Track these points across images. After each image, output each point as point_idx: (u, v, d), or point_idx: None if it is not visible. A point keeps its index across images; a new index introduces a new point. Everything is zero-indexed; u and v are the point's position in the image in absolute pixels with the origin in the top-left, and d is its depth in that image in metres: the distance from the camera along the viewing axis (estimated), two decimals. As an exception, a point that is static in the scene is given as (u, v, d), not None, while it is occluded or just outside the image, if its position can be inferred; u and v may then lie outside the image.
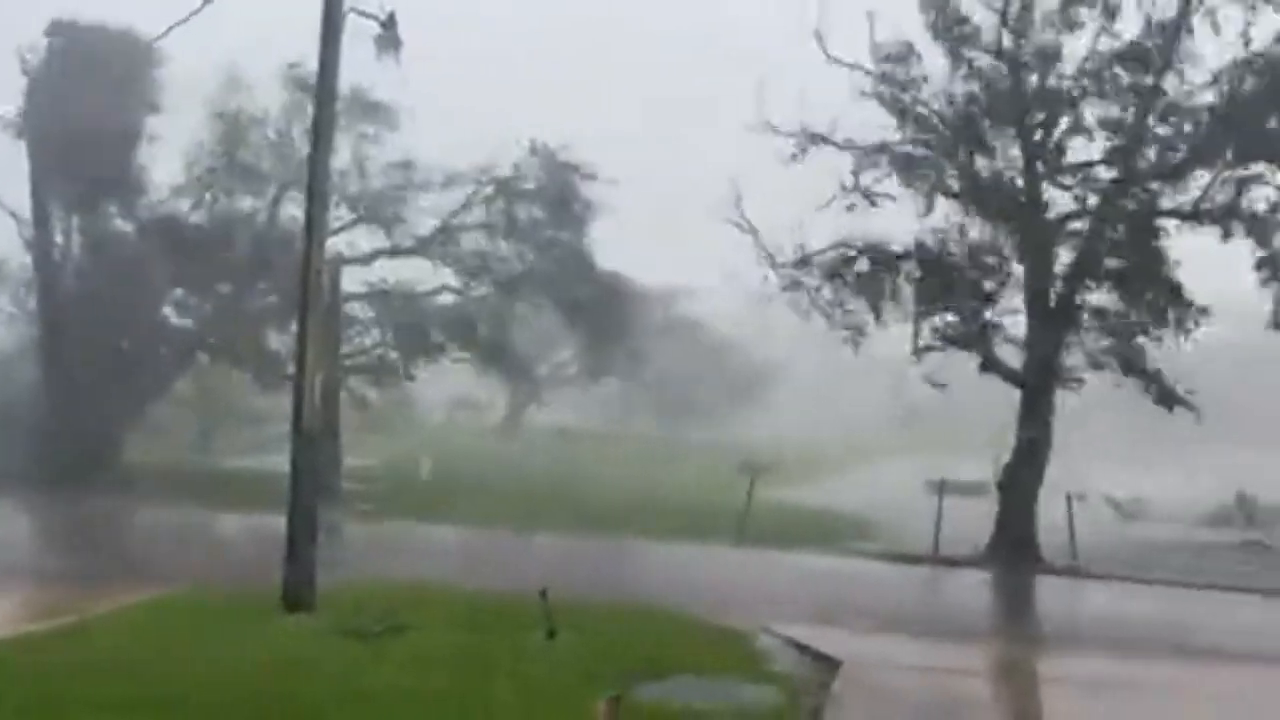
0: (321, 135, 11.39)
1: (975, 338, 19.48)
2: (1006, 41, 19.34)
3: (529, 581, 10.25)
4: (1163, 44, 18.55)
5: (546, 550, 18.01)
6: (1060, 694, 10.26)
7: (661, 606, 11.68)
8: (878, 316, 20.00)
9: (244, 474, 24.07)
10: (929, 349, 19.77)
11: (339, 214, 27.02)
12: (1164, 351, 19.31)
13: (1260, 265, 18.77)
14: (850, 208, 19.97)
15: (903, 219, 20.38)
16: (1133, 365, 19.26)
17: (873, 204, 19.95)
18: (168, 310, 27.86)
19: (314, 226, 11.27)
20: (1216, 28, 18.18)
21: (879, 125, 20.21)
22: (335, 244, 25.08)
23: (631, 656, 9.17)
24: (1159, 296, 18.80)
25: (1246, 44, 18.10)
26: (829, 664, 9.93)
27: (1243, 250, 19.13)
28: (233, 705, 7.38)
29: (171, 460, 26.48)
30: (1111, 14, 18.79)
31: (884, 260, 19.96)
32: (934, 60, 19.81)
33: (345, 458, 24.63)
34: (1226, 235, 18.73)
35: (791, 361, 50.28)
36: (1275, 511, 25.34)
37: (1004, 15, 19.30)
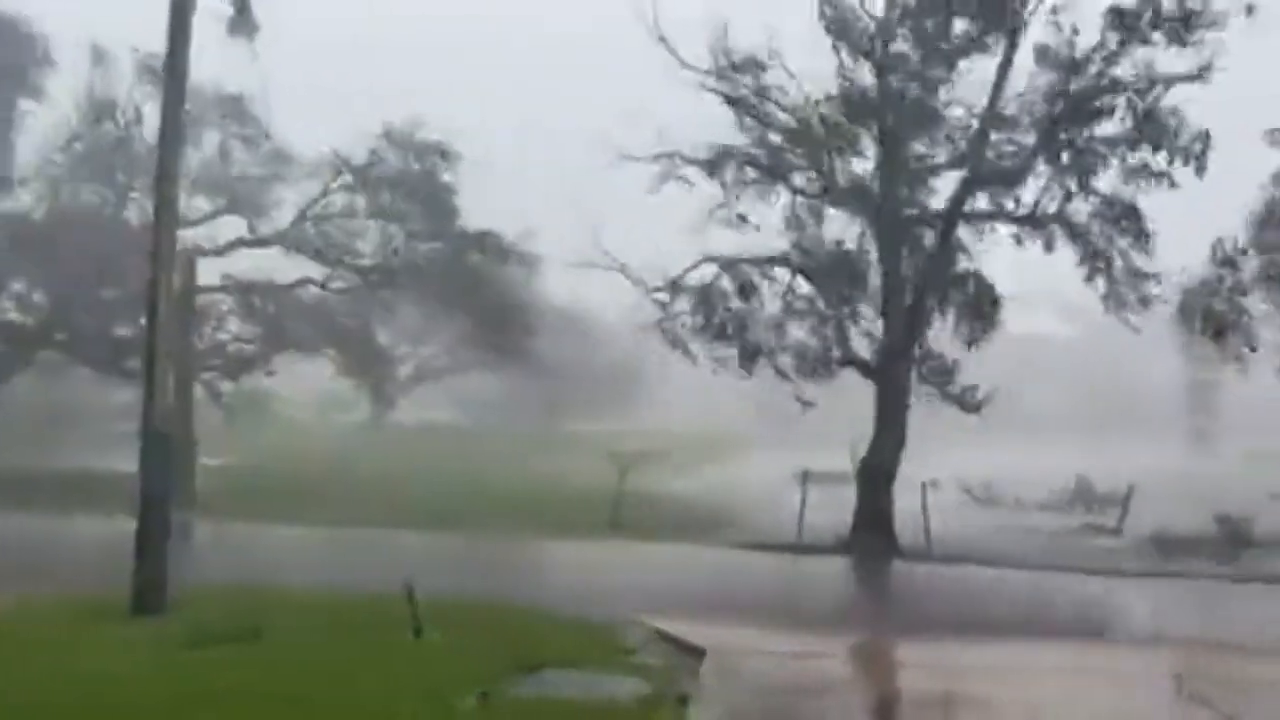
0: (170, 120, 10.93)
1: (835, 336, 20.18)
2: (873, 46, 19.94)
3: (394, 582, 10.08)
4: (1001, 60, 19.39)
5: (413, 549, 17.71)
6: (915, 674, 10.71)
7: (531, 602, 11.67)
8: (745, 359, 20.42)
9: (91, 475, 22.87)
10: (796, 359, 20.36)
11: (197, 204, 25.99)
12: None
13: (1082, 261, 19.78)
14: (722, 222, 20.33)
15: (766, 227, 20.91)
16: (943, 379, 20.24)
17: (743, 219, 20.34)
18: (7, 304, 26.33)
19: (164, 215, 10.80)
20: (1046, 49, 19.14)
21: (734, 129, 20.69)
22: (194, 235, 24.12)
23: (501, 653, 9.14)
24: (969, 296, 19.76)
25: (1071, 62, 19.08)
26: (695, 653, 10.12)
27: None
28: (62, 712, 7.03)
29: (10, 462, 24.97)
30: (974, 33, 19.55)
31: (750, 271, 20.42)
32: (795, 63, 20.30)
33: (201, 457, 23.71)
34: (1049, 243, 19.80)
35: (670, 356, 50.60)
36: (1112, 496, 26.93)
37: (872, 21, 19.91)
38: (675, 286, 20.56)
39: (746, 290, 20.33)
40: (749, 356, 20.46)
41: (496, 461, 31.63)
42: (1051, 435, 52.15)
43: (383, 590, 10.43)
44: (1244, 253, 20.16)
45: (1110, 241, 19.60)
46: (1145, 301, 19.81)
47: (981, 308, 19.99)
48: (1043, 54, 19.16)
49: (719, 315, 20.33)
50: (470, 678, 8.26)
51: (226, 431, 30.73)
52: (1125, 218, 19.37)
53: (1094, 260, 19.67)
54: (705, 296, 20.42)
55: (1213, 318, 20.58)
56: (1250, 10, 17.89)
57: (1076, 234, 19.65)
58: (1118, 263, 19.63)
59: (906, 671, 11.03)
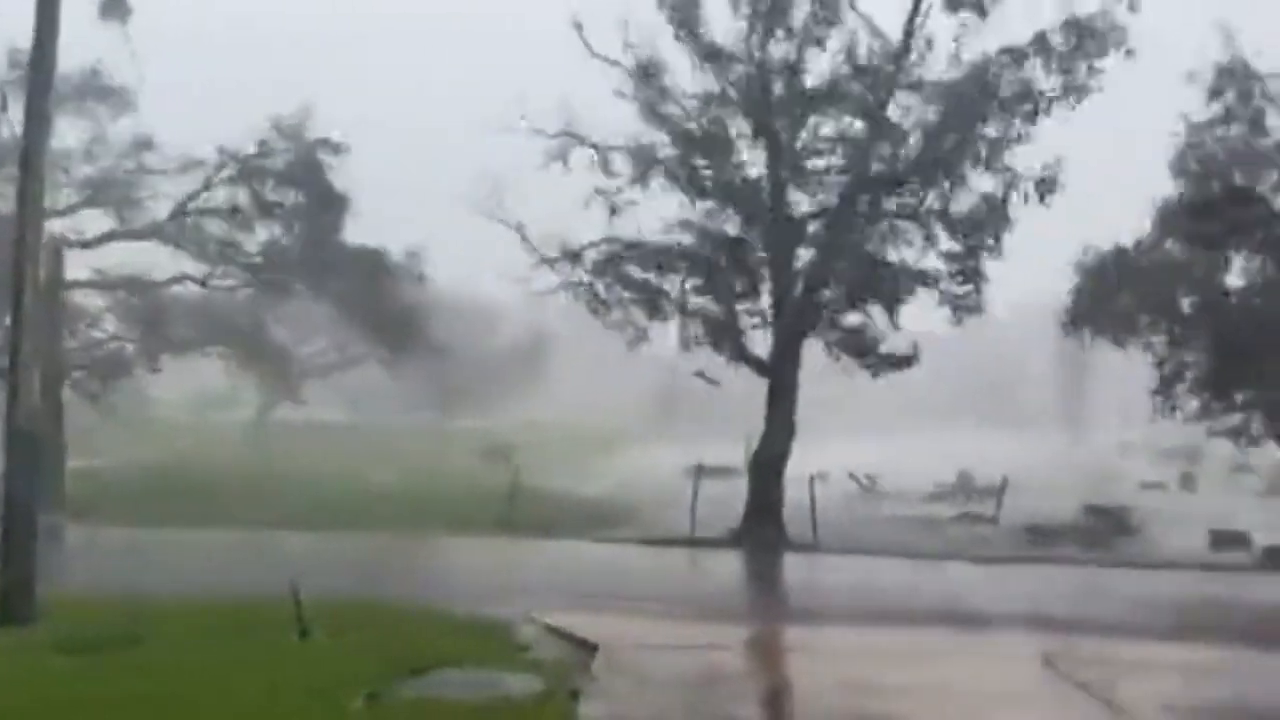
0: (35, 109, 10.43)
1: (726, 331, 20.45)
2: (755, 50, 20.24)
3: (278, 584, 9.82)
4: (891, 65, 19.93)
5: (297, 550, 17.26)
6: (802, 660, 10.95)
7: (421, 601, 11.53)
8: (651, 317, 20.58)
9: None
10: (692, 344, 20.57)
11: (65, 195, 24.79)
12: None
13: (951, 259, 20.34)
14: (612, 208, 20.38)
15: (665, 220, 21.07)
16: (864, 349, 20.68)
17: (633, 202, 20.44)
18: None
19: (28, 204, 10.29)
20: (929, 46, 19.74)
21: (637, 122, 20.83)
22: (61, 226, 23.01)
23: (390, 653, 8.99)
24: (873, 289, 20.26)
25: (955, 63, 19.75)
26: (588, 648, 10.14)
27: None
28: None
29: None
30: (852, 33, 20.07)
31: (650, 257, 20.56)
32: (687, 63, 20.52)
33: (72, 459, 22.68)
34: (929, 238, 20.35)
35: (566, 348, 50.56)
36: (990, 487, 28.01)
37: (751, 25, 20.16)
38: (574, 257, 20.55)
39: (646, 265, 20.45)
40: (658, 315, 20.59)
41: (386, 458, 31.13)
42: (937, 428, 54.00)
43: (266, 592, 10.15)
44: (1120, 253, 21.04)
45: (979, 240, 20.14)
46: (972, 307, 20.33)
47: (894, 300, 20.37)
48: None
49: (622, 280, 20.41)
50: (358, 678, 8.11)
51: (100, 432, 29.45)
52: (992, 219, 19.90)
53: (965, 259, 20.21)
54: (606, 268, 20.48)
55: (1084, 315, 21.56)
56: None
57: (955, 231, 20.15)
58: (974, 261, 20.18)
59: (795, 658, 11.27)
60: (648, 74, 20.26)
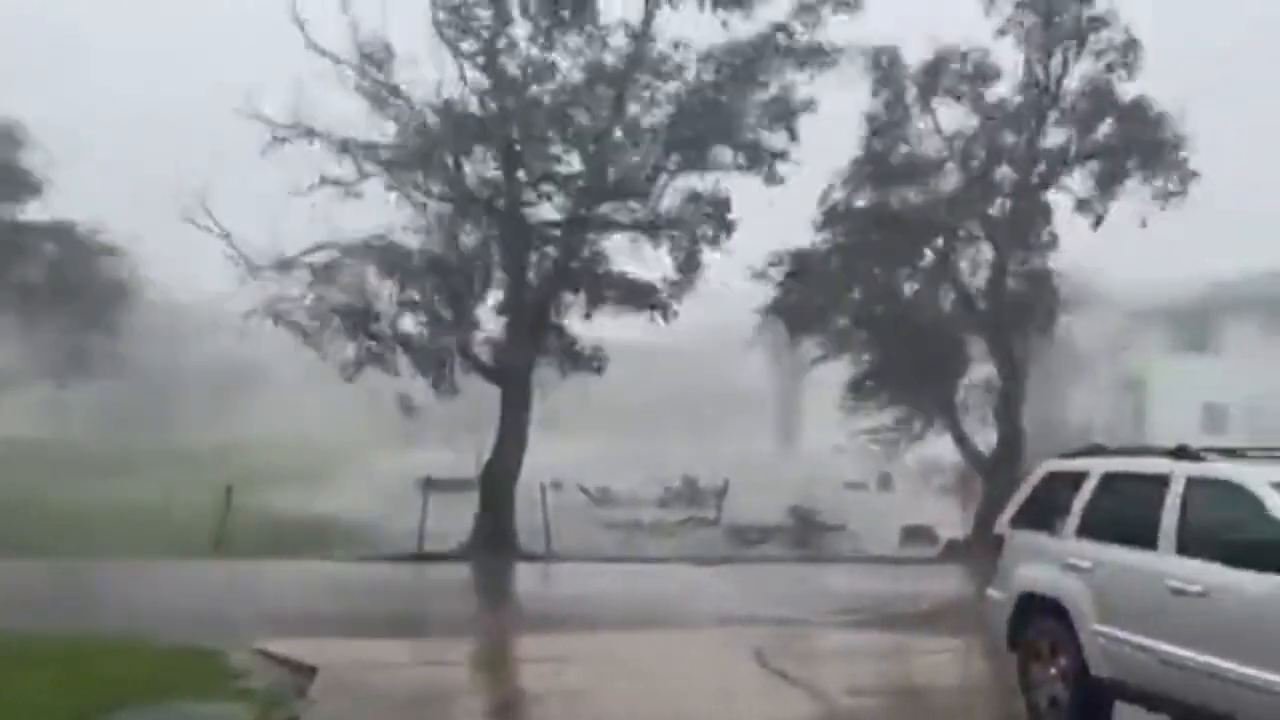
0: None
1: (457, 339, 20.24)
2: (495, 53, 20.12)
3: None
4: (624, 68, 20.20)
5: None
6: (531, 671, 11.08)
7: (120, 631, 10.66)
8: (363, 340, 19.87)
9: None
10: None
11: None
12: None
13: (680, 269, 20.83)
14: (334, 200, 19.65)
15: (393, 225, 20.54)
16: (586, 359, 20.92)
17: (355, 195, 19.78)
18: None
19: None
20: (663, 62, 20.27)
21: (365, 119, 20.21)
22: None
23: (87, 688, 8.28)
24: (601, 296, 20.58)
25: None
26: (306, 671, 9.77)
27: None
28: None
29: None
30: (590, 38, 20.17)
31: (375, 261, 19.97)
32: (424, 61, 20.09)
33: None
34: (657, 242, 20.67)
35: (277, 358, 47.95)
36: (712, 492, 29.41)
37: (492, 27, 20.05)
38: (287, 266, 19.60)
39: (377, 269, 19.78)
40: (370, 357, 19.96)
41: (87, 478, 28.43)
42: (664, 436, 55.94)
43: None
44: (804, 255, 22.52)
45: (696, 241, 20.63)
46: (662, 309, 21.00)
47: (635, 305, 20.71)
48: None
49: (337, 297, 19.66)
50: (50, 718, 7.41)
51: None
52: (715, 219, 20.45)
53: (688, 259, 20.74)
54: (323, 278, 19.64)
55: (790, 316, 22.85)
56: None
57: (678, 236, 20.61)
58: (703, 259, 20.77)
59: (520, 669, 11.38)
60: (371, 65, 19.63)
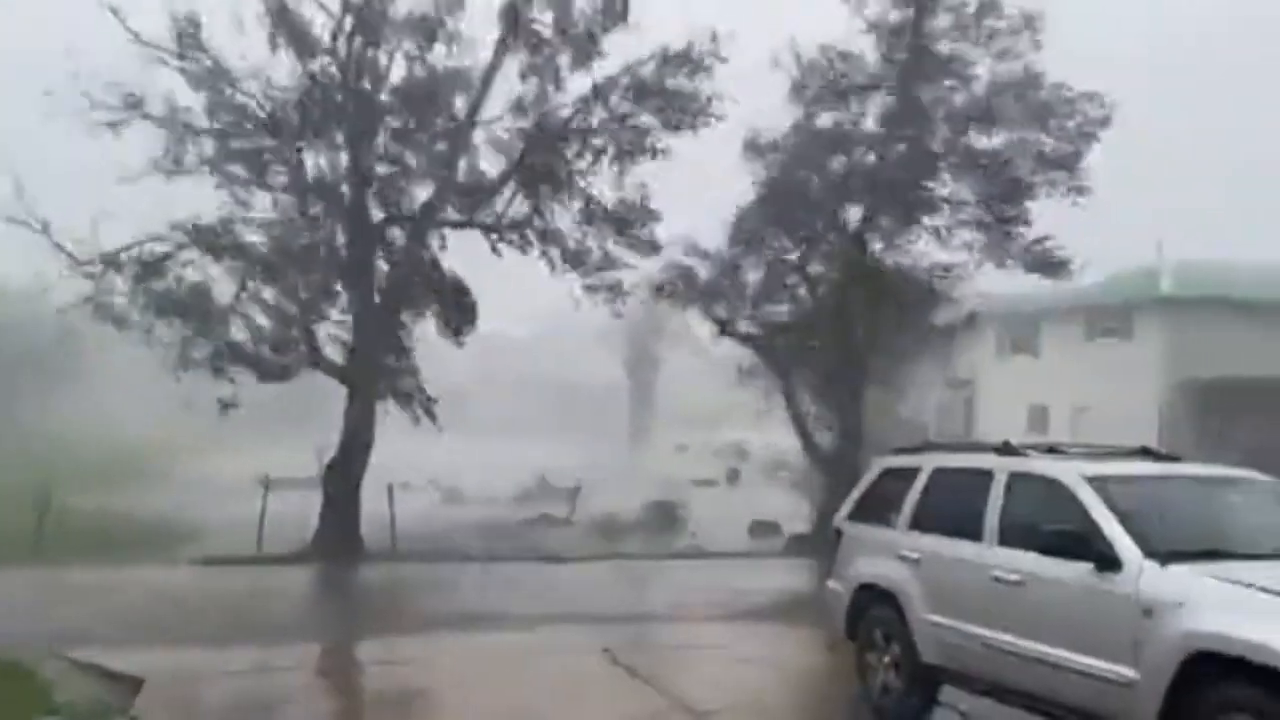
0: None
1: (300, 335, 19.58)
2: (340, 49, 19.60)
3: None
4: (482, 73, 19.93)
5: None
6: (374, 674, 10.81)
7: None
8: (192, 349, 19.00)
9: None
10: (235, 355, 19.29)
11: None
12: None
13: (554, 268, 20.75)
14: (165, 189, 18.72)
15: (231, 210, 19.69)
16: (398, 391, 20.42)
17: (185, 178, 18.92)
18: None
19: None
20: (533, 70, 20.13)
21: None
22: None
23: None
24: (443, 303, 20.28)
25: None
26: (131, 683, 9.26)
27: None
28: None
29: None
30: (430, 38, 19.84)
31: (212, 251, 19.13)
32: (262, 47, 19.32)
33: None
34: (523, 248, 20.61)
35: (102, 353, 45.35)
36: (566, 490, 29.41)
37: (339, 24, 19.51)
38: (112, 259, 18.55)
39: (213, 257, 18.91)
40: (213, 355, 19.09)
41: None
42: (518, 434, 55.68)
43: None
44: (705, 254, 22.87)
45: (585, 239, 20.55)
46: (616, 290, 20.96)
47: (462, 311, 20.41)
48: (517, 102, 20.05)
49: (166, 290, 18.72)
50: None
51: None
52: (606, 218, 20.42)
53: (574, 260, 20.58)
54: (150, 271, 18.67)
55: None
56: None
57: (550, 238, 20.45)
58: (595, 256, 20.66)
59: (361, 673, 11.09)
60: (198, 49, 18.80)
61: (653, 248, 21.01)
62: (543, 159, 19.86)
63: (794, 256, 23.13)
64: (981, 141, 21.86)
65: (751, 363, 23.86)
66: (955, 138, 21.92)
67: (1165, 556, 6.44)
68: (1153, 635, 6.21)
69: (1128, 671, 6.33)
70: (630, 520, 24.69)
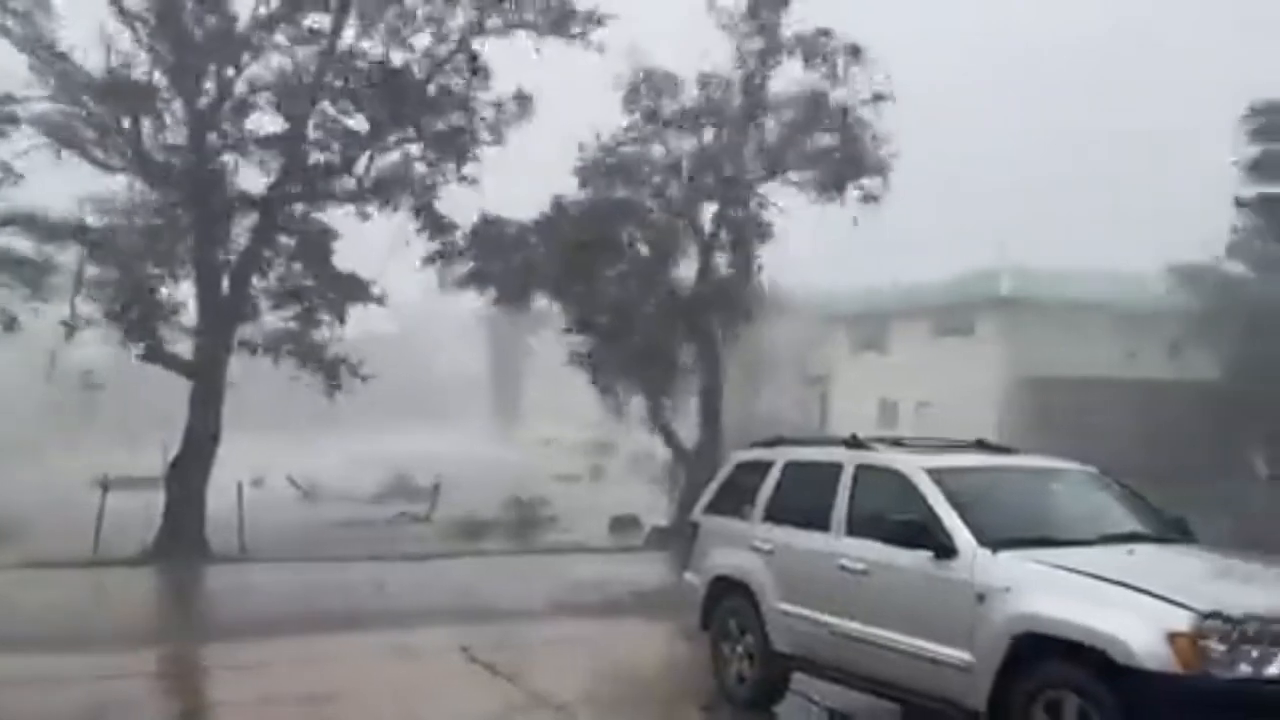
0: None
1: (136, 326, 18.53)
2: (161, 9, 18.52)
3: None
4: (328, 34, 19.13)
5: None
6: (213, 680, 10.41)
7: None
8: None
9: None
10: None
11: None
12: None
13: (430, 237, 20.24)
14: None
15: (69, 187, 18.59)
16: (310, 356, 19.94)
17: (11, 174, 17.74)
18: None
19: None
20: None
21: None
22: None
23: None
24: (324, 281, 19.62)
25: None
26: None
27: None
28: None
29: None
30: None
31: (43, 232, 18.00)
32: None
33: None
34: (388, 206, 19.80)
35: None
36: (426, 487, 28.99)
37: None
38: None
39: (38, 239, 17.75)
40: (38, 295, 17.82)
41: None
42: (380, 430, 54.48)
43: None
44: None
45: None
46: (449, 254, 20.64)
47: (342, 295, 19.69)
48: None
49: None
50: None
51: None
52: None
53: (439, 231, 20.13)
54: None
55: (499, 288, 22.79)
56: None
57: (420, 205, 19.88)
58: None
59: (204, 678, 10.67)
60: (18, 18, 17.65)
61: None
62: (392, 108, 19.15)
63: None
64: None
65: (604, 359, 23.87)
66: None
67: (997, 544, 6.80)
68: (985, 619, 6.55)
69: (964, 654, 6.65)
70: (491, 517, 24.48)
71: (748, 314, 22.85)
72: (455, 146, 19.71)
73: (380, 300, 20.13)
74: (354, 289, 19.80)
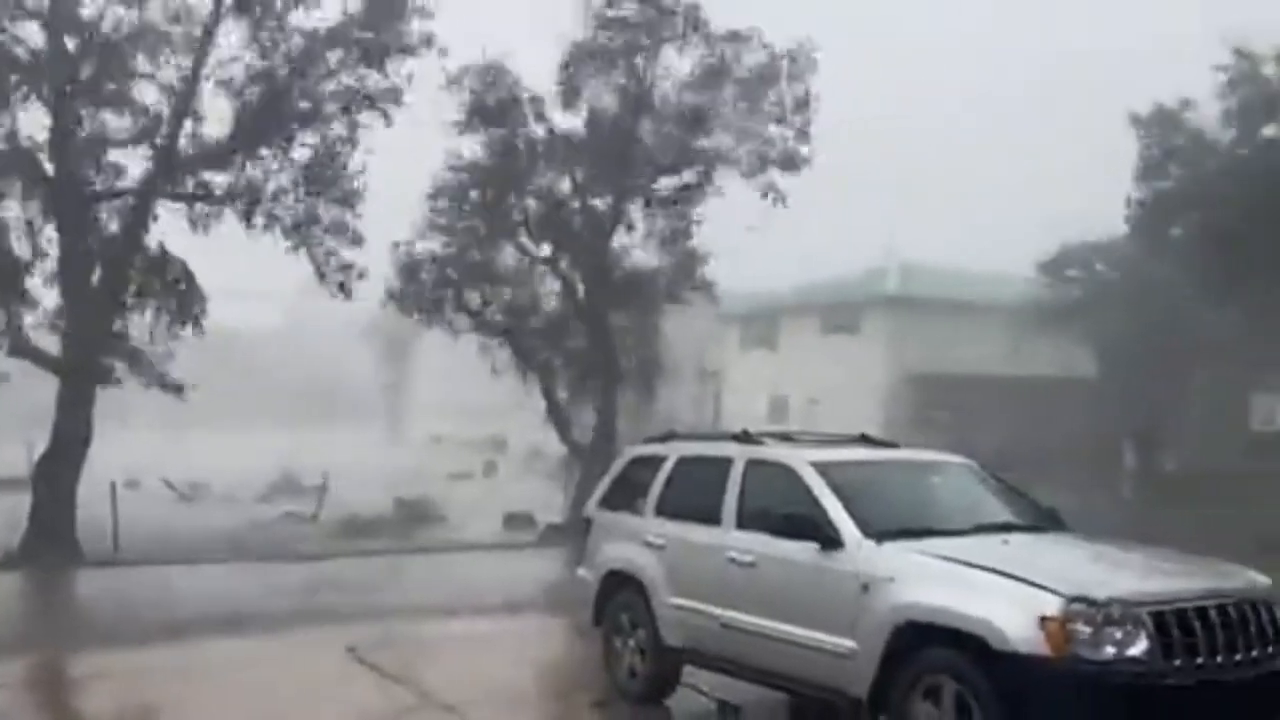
0: None
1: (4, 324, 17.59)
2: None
3: None
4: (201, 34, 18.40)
5: None
6: (86, 690, 9.95)
7: None
8: None
9: None
10: None
11: None
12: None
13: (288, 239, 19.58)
14: None
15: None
16: (134, 361, 19.03)
17: None
18: None
19: None
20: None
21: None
22: None
23: None
24: (165, 287, 18.70)
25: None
26: None
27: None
28: None
29: None
30: None
31: None
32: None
33: None
34: (249, 217, 19.02)
35: None
36: (312, 488, 28.24)
37: None
38: None
39: None
40: None
41: None
42: (263, 428, 52.94)
43: None
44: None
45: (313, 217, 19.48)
46: (344, 286, 20.02)
47: (189, 295, 18.84)
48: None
49: None
50: None
51: None
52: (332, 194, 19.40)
53: (298, 235, 19.41)
54: None
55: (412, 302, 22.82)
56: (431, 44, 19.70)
57: (279, 215, 19.15)
58: (318, 239, 19.57)
59: (75, 688, 10.19)
60: None
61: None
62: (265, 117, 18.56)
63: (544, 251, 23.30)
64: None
65: (504, 354, 23.79)
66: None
67: (881, 535, 6.97)
68: (868, 608, 6.71)
69: (849, 643, 6.80)
70: (380, 515, 24.02)
71: (646, 311, 22.94)
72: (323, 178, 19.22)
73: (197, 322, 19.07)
74: (189, 299, 18.80)
